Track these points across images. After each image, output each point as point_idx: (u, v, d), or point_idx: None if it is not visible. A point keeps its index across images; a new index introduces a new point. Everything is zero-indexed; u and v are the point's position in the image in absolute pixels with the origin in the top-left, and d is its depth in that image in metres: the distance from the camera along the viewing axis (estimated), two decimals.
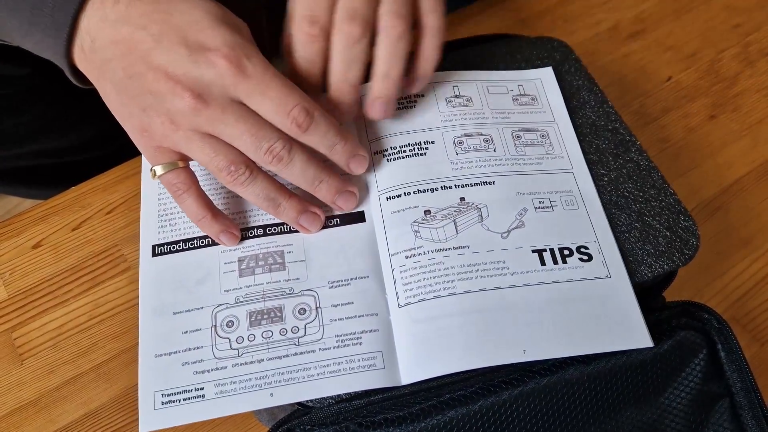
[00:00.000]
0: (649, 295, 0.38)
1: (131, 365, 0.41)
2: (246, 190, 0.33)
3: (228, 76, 0.31)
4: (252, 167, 0.33)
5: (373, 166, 0.38)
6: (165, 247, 0.36)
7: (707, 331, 0.37)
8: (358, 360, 0.32)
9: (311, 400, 0.32)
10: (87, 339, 0.42)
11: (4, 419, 0.40)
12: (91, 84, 0.35)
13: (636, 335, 0.34)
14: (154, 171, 0.34)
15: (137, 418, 0.39)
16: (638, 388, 0.35)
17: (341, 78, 0.35)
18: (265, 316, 0.34)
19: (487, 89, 0.42)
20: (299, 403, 0.33)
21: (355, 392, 0.32)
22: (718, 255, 0.48)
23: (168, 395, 0.32)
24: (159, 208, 0.38)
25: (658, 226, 0.38)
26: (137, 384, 0.39)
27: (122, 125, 0.35)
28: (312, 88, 0.35)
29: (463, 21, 0.60)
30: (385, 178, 0.38)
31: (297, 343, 0.33)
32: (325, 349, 0.32)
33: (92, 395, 0.41)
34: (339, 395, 0.33)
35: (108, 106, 0.35)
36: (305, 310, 0.34)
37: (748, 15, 0.62)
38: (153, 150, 0.34)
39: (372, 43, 0.35)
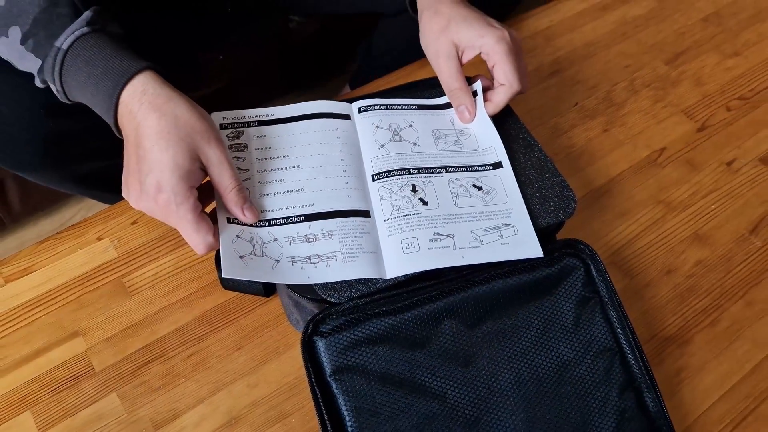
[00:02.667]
0: (548, 237, 0.59)
1: (206, 297, 0.61)
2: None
3: (163, 215, 0.49)
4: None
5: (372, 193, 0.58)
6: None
7: (583, 257, 0.58)
8: (367, 261, 0.52)
9: (336, 297, 0.52)
10: (174, 281, 0.62)
11: (121, 332, 0.59)
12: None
13: (532, 251, 0.54)
14: None
15: (211, 331, 0.59)
16: (541, 291, 0.56)
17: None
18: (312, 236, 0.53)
19: (439, 106, 0.63)
20: (326, 302, 0.53)
21: (363, 293, 0.52)
22: (604, 222, 0.69)
23: (240, 256, 0.50)
24: None
25: (550, 195, 0.59)
26: (210, 309, 0.59)
27: (123, 177, 0.52)
28: None
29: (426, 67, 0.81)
30: (373, 167, 0.58)
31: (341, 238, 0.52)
32: (343, 256, 0.52)
33: (179, 317, 0.60)
34: (351, 295, 0.52)
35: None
36: (332, 236, 0.53)
37: (635, 58, 0.85)
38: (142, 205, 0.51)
39: None
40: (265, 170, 0.56)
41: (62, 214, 1.15)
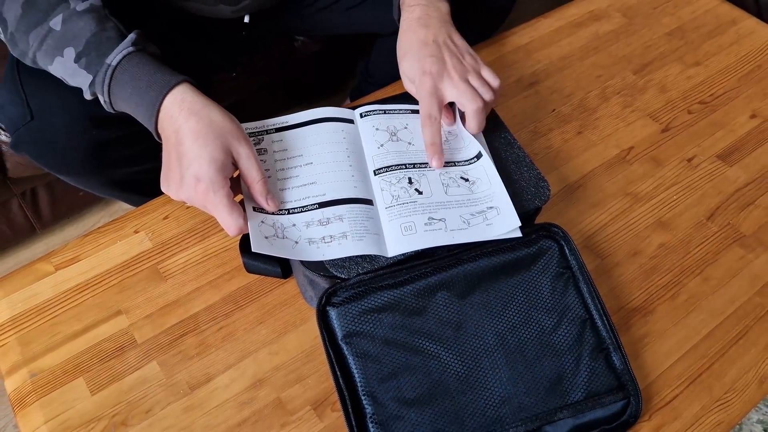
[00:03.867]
0: (526, 221, 0.68)
1: (231, 280, 0.70)
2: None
3: (201, 201, 0.58)
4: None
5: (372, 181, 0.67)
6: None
7: (557, 238, 0.67)
8: (369, 241, 0.61)
9: (345, 273, 0.61)
10: (203, 267, 0.71)
11: (159, 310, 0.68)
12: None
13: (513, 231, 0.63)
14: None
15: (237, 308, 0.68)
16: (521, 267, 0.65)
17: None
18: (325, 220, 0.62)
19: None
20: (337, 278, 0.62)
21: (368, 269, 0.61)
22: (578, 212, 0.78)
23: (265, 237, 0.59)
24: None
25: (527, 185, 0.68)
26: (236, 290, 0.68)
27: (162, 172, 0.61)
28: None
29: None
30: (375, 163, 0.68)
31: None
32: (352, 235, 0.61)
33: (209, 297, 0.69)
34: (358, 272, 0.61)
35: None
36: (342, 219, 0.62)
37: (606, 69, 0.95)
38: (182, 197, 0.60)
39: None
40: (283, 168, 0.65)
41: (86, 221, 1.24)
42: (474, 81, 0.68)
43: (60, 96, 0.70)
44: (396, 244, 0.62)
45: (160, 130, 0.61)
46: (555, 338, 0.63)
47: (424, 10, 0.72)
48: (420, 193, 0.65)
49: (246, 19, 0.91)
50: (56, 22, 0.61)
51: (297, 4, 0.96)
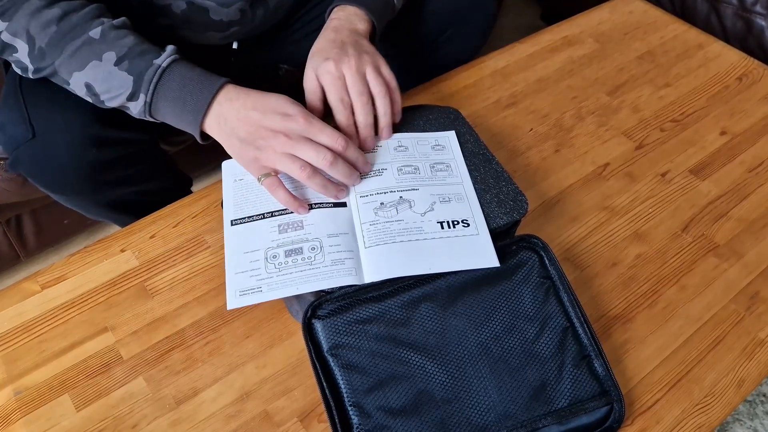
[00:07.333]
0: (506, 234, 0.70)
1: (218, 296, 0.70)
2: (311, 181, 0.64)
3: (303, 126, 0.64)
4: (315, 169, 0.64)
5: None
6: (238, 221, 0.66)
7: (536, 249, 0.68)
8: (345, 271, 0.62)
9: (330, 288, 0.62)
10: (189, 284, 0.71)
11: (145, 327, 0.68)
12: (211, 140, 0.68)
13: (490, 261, 0.65)
14: (260, 178, 0.65)
15: (223, 323, 0.68)
16: (502, 278, 0.66)
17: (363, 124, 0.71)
18: (293, 252, 0.63)
19: (417, 142, 0.75)
20: (323, 291, 0.63)
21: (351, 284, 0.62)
22: (558, 227, 0.80)
23: (242, 291, 0.61)
24: (234, 200, 0.68)
25: (506, 199, 0.70)
26: (222, 305, 0.69)
27: (238, 160, 0.67)
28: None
29: (405, 99, 0.94)
30: (359, 185, 0.69)
31: (311, 265, 0.62)
32: (326, 266, 0.62)
33: (195, 312, 0.69)
34: (342, 286, 0.62)
35: (230, 152, 0.67)
36: (315, 248, 0.64)
37: (581, 91, 0.98)
38: (259, 168, 0.66)
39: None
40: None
41: (70, 249, 1.24)
42: (370, 73, 0.71)
43: (64, 116, 0.72)
44: (371, 273, 0.63)
45: (207, 127, 0.66)
46: (538, 346, 0.64)
47: (340, 23, 0.77)
48: (399, 221, 0.66)
49: (234, 45, 0.94)
50: (96, 33, 0.66)
51: (282, 32, 0.99)
